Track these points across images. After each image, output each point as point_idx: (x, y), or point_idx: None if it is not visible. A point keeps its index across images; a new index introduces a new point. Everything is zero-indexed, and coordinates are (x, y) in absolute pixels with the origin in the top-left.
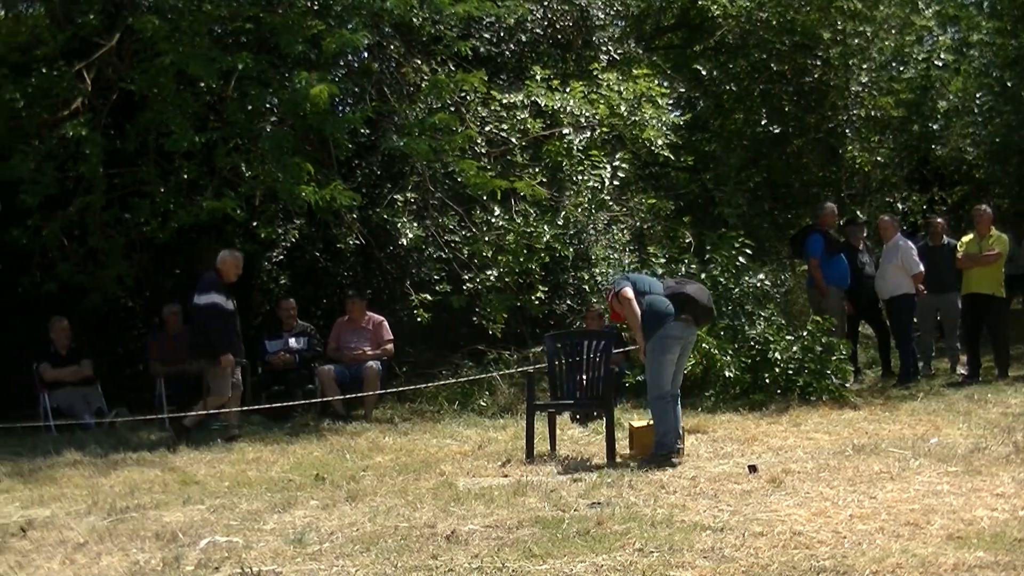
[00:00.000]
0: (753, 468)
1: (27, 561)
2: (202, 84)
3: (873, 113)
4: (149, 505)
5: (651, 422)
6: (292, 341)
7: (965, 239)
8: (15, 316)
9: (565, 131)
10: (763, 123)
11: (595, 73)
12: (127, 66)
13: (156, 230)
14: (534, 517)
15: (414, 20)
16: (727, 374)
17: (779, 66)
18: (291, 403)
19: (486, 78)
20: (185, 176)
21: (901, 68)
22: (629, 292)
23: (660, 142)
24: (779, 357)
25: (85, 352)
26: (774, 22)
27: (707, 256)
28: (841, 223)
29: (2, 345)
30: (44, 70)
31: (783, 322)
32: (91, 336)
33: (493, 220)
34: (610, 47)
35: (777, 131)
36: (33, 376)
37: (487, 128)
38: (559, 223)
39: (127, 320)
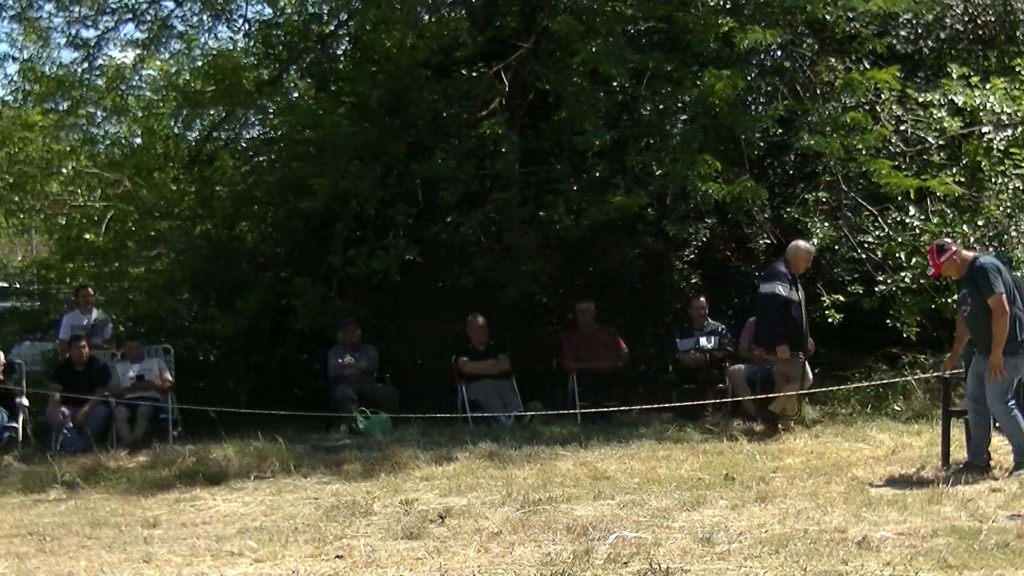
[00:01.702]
0: None
1: (444, 547)
2: (615, 83)
3: None
4: (561, 498)
5: None
6: (703, 340)
7: None
8: (435, 310)
9: (984, 129)
10: None
11: (1018, 69)
12: (543, 66)
13: (569, 227)
14: (949, 526)
15: (827, 17)
16: None
17: None
18: (702, 402)
19: (901, 75)
20: (597, 174)
21: None
22: (1006, 303)
23: None
24: None
25: (502, 347)
26: None
27: None
28: None
29: (423, 338)
30: (464, 71)
31: None
32: (506, 331)
33: (908, 220)
34: None
35: None
36: (452, 368)
37: (903, 127)
38: (978, 224)
39: (541, 316)
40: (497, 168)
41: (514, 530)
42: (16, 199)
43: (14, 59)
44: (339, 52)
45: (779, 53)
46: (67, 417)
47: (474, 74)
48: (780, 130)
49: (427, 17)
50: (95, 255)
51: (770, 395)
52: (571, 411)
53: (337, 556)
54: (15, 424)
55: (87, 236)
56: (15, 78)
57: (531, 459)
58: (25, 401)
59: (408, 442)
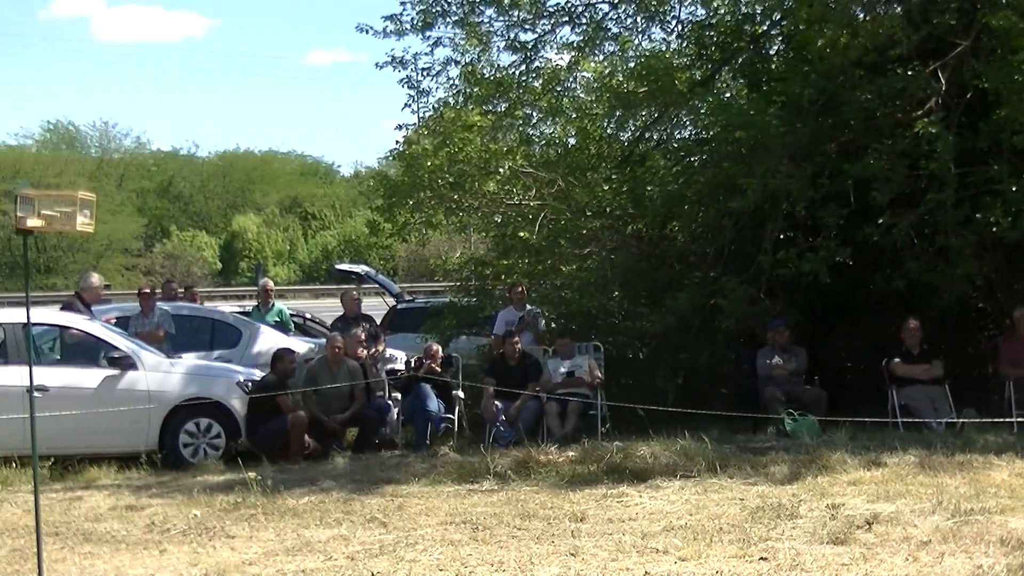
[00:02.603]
0: None
1: (871, 554)
2: None
3: None
4: (994, 509)
5: None
6: None
7: None
8: (866, 312)
9: None
10: None
11: None
12: (982, 64)
13: (1007, 229)
14: None
15: None
16: None
17: None
18: None
19: None
20: None
21: None
22: None
23: None
24: None
25: (935, 351)
26: None
27: None
28: None
29: (853, 340)
30: (899, 70)
31: None
32: (941, 335)
33: None
34: None
35: None
36: (882, 372)
37: None
38: None
39: (977, 321)
40: (931, 168)
41: (944, 540)
42: (456, 197)
43: (456, 63)
44: (772, 52)
45: None
46: (500, 410)
47: (909, 73)
48: None
49: (862, 15)
50: (529, 252)
51: None
52: (1007, 419)
53: (761, 558)
54: (451, 416)
55: (522, 234)
56: (456, 81)
57: (963, 467)
58: (461, 394)
59: (836, 446)
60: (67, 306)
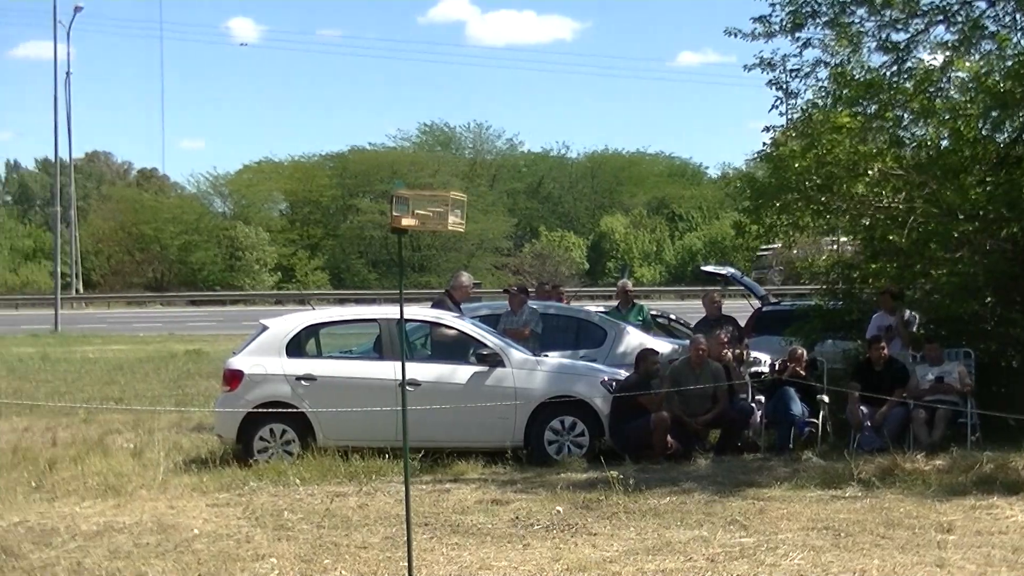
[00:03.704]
0: None
1: None
2: None
3: None
4: None
5: None
6: None
7: None
8: None
9: None
10: None
11: None
12: None
13: None
14: None
15: None
16: None
17: None
18: None
19: None
20: None
21: None
22: None
23: None
24: None
25: None
26: None
27: None
28: None
29: None
30: None
31: None
32: None
33: None
34: None
35: None
36: None
37: None
38: None
39: None
40: None
41: None
42: (823, 200)
43: (825, 64)
44: None
45: None
46: (865, 416)
47: None
48: None
49: None
50: (898, 256)
51: None
52: None
53: None
54: (815, 420)
55: (891, 237)
56: (825, 82)
57: None
58: (826, 398)
59: None
60: (437, 303)
